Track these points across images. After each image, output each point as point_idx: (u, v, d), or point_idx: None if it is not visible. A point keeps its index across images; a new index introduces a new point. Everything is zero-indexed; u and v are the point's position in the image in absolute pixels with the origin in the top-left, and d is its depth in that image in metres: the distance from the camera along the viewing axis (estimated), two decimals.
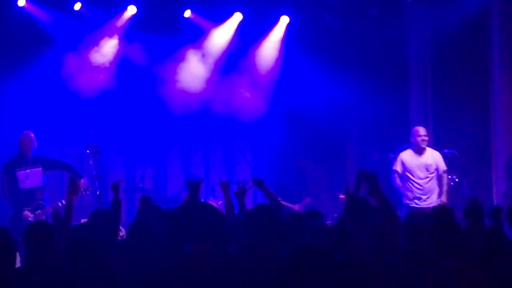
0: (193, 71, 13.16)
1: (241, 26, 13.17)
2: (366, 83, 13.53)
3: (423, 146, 11.15)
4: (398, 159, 11.23)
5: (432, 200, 10.92)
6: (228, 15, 13.05)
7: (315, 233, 5.75)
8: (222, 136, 13.80)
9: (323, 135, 13.81)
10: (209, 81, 13.36)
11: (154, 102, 13.42)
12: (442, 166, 11.15)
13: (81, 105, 13.00)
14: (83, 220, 11.25)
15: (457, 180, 11.68)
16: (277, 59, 13.60)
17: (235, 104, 13.67)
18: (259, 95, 13.57)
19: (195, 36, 13.13)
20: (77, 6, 12.12)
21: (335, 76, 13.73)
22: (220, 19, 13.09)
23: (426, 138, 11.21)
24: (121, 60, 13.18)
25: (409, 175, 11.13)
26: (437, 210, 7.45)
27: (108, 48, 12.91)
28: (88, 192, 10.56)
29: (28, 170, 10.17)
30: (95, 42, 12.79)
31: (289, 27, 13.31)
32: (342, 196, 10.29)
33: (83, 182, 10.29)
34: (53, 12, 12.23)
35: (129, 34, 13.01)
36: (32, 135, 10.37)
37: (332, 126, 13.76)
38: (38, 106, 12.64)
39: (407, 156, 11.21)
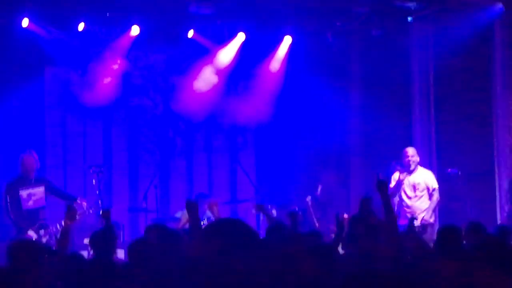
0: (200, 87, 13.21)
1: (244, 46, 13.20)
2: (369, 102, 13.58)
3: (412, 166, 11.27)
4: (392, 179, 11.28)
5: (420, 217, 10.99)
6: (231, 35, 13.08)
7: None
8: (225, 153, 13.81)
9: (326, 152, 13.84)
10: (212, 99, 13.42)
11: (157, 122, 13.47)
12: (432, 184, 11.24)
13: (84, 124, 13.02)
14: (86, 240, 11.32)
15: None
16: (280, 78, 13.64)
17: (239, 121, 13.74)
18: (262, 111, 13.63)
19: (199, 56, 13.15)
20: (81, 27, 12.15)
21: (338, 95, 13.78)
22: (223, 39, 13.12)
23: (414, 158, 11.34)
24: (124, 80, 13.24)
25: (400, 194, 11.27)
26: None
27: (112, 67, 12.95)
28: (91, 212, 10.56)
29: (31, 190, 10.16)
30: (99, 61, 12.82)
31: (292, 46, 13.34)
32: (345, 216, 10.25)
33: (83, 203, 10.29)
34: (56, 32, 12.25)
35: (132, 53, 13.06)
36: (35, 154, 10.38)
37: (335, 143, 13.80)
38: (41, 125, 12.67)
39: (397, 176, 11.36)
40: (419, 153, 12.66)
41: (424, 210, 11.15)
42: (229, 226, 5.14)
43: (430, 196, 11.22)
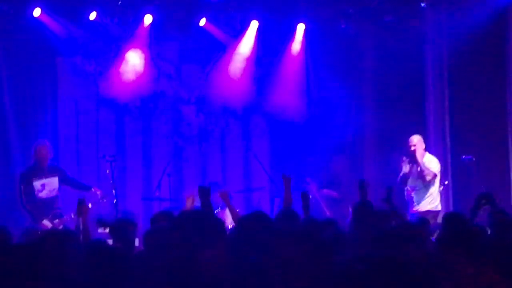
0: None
1: (258, 35, 13.17)
2: (382, 89, 13.54)
3: (417, 154, 11.17)
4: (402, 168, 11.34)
5: (424, 205, 10.98)
6: (243, 23, 13.02)
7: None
8: (239, 141, 13.81)
9: (340, 140, 13.81)
10: (226, 88, 13.43)
11: (170, 110, 13.48)
12: (433, 171, 11.12)
13: (97, 113, 13.05)
14: (100, 230, 11.34)
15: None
16: (296, 67, 13.61)
17: (252, 109, 13.76)
18: (277, 100, 13.65)
19: (211, 45, 13.13)
20: (92, 16, 12.14)
21: (351, 82, 13.74)
22: (236, 28, 13.07)
23: (417, 146, 11.22)
24: (136, 69, 13.26)
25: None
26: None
27: (124, 57, 12.96)
28: (105, 201, 10.58)
29: (44, 180, 10.18)
30: (111, 51, 12.84)
31: (305, 34, 13.29)
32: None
33: (98, 192, 10.30)
34: (68, 22, 12.26)
35: (145, 42, 13.06)
36: (49, 144, 10.39)
37: (348, 131, 13.75)
38: (54, 115, 12.69)
39: (406, 165, 11.30)
40: (432, 140, 12.65)
41: (426, 198, 11.10)
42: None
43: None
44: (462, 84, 12.81)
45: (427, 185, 11.17)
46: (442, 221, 7.19)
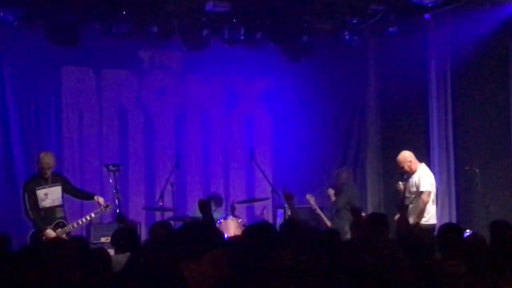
0: None
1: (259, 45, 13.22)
2: (386, 99, 13.57)
3: (402, 171, 10.92)
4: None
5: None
6: (247, 34, 13.04)
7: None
8: (242, 151, 13.81)
9: (344, 148, 13.87)
10: (227, 95, 13.56)
11: (173, 120, 13.51)
12: (421, 187, 10.75)
13: (100, 122, 13.07)
14: (103, 239, 11.34)
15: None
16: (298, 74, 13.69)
17: (256, 117, 13.83)
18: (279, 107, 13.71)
19: (214, 54, 13.16)
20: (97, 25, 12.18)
21: (355, 92, 13.78)
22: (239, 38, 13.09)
23: (404, 164, 10.88)
24: (140, 78, 13.30)
25: None
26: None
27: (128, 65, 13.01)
28: (108, 211, 10.57)
29: (47, 189, 10.17)
30: (115, 60, 12.89)
31: (308, 45, 13.30)
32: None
33: (101, 201, 10.31)
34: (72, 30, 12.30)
35: (149, 51, 13.13)
36: (52, 153, 10.39)
37: (352, 140, 13.80)
38: (57, 123, 12.71)
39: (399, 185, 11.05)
40: (436, 150, 12.64)
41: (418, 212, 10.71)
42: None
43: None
44: (465, 95, 12.79)
45: (414, 199, 10.78)
46: (437, 233, 7.16)
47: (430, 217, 10.75)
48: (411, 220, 10.60)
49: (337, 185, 12.13)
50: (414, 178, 10.81)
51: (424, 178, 10.78)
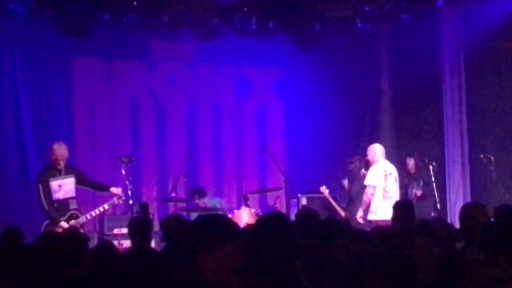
0: None
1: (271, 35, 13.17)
2: (399, 87, 13.50)
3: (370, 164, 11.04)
4: None
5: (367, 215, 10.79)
6: (259, 23, 12.98)
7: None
8: (255, 141, 13.79)
9: (356, 138, 13.81)
10: (239, 86, 13.56)
11: (185, 110, 13.48)
12: (366, 180, 10.89)
13: (113, 114, 13.06)
14: (116, 230, 11.33)
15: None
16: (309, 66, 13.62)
17: (269, 109, 13.79)
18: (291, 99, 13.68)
19: (225, 43, 13.10)
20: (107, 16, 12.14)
21: (367, 80, 13.71)
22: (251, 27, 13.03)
23: (366, 157, 11.11)
24: (151, 68, 13.27)
25: None
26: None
27: (139, 56, 12.98)
28: (121, 202, 10.55)
29: (61, 181, 10.15)
30: (126, 50, 12.86)
31: (320, 33, 13.23)
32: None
33: (118, 191, 10.28)
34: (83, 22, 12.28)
35: (159, 41, 13.10)
36: (65, 145, 10.36)
37: (365, 130, 13.75)
38: (69, 115, 12.70)
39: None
40: (450, 139, 12.58)
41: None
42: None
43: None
44: (479, 82, 12.71)
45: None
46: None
47: (381, 213, 10.59)
48: (368, 216, 10.74)
49: (350, 174, 12.09)
50: (368, 171, 10.97)
51: (371, 172, 10.86)
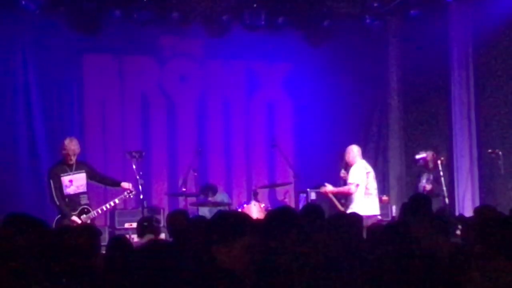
0: None
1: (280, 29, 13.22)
2: (408, 83, 13.52)
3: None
4: None
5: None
6: (268, 19, 13.04)
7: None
8: (264, 136, 13.85)
9: (365, 133, 13.86)
10: (249, 81, 13.71)
11: (195, 105, 13.55)
12: (348, 179, 11.23)
13: (123, 108, 13.14)
14: (127, 225, 11.43)
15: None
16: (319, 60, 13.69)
17: (278, 103, 13.85)
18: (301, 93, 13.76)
19: (235, 39, 13.17)
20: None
21: (376, 76, 13.73)
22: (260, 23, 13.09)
23: (347, 158, 11.41)
24: (161, 64, 13.35)
25: None
26: None
27: (149, 52, 13.06)
28: (132, 197, 10.63)
29: (72, 176, 10.22)
30: (136, 46, 12.95)
31: (329, 29, 13.28)
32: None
33: (129, 186, 10.35)
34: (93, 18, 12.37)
35: (170, 37, 13.19)
36: (76, 140, 10.43)
37: (374, 124, 13.79)
38: (80, 110, 12.80)
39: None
40: (458, 133, 12.62)
41: (351, 205, 11.04)
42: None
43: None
44: (488, 77, 12.74)
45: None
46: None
47: (364, 209, 10.68)
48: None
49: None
50: (350, 171, 11.25)
51: (353, 171, 11.18)
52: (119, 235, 9.22)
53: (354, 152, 11.36)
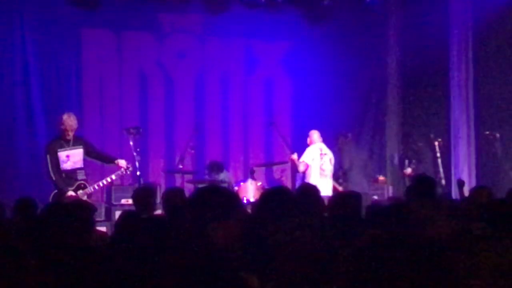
0: None
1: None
2: (406, 64, 13.50)
3: None
4: None
5: None
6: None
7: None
8: (261, 114, 13.84)
9: (362, 113, 13.86)
10: (247, 59, 13.65)
11: (192, 83, 13.53)
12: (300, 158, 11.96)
13: (121, 85, 13.12)
14: (123, 200, 11.44)
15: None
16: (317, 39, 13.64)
17: (276, 82, 13.83)
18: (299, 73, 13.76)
19: (235, 17, 13.12)
20: None
21: (375, 56, 13.70)
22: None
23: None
24: (160, 41, 13.31)
25: None
26: None
27: (148, 29, 13.00)
28: (128, 173, 10.62)
29: (69, 151, 10.21)
30: (135, 23, 12.91)
31: (328, 7, 13.23)
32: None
33: (123, 163, 10.34)
34: None
35: (169, 15, 13.14)
36: (74, 115, 10.41)
37: (371, 105, 13.79)
38: (78, 86, 12.78)
39: None
40: (457, 115, 12.63)
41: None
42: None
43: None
44: (487, 60, 12.72)
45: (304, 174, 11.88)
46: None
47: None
48: None
49: (338, 150, 12.60)
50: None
51: (306, 152, 11.93)
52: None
53: (312, 136, 12.13)
